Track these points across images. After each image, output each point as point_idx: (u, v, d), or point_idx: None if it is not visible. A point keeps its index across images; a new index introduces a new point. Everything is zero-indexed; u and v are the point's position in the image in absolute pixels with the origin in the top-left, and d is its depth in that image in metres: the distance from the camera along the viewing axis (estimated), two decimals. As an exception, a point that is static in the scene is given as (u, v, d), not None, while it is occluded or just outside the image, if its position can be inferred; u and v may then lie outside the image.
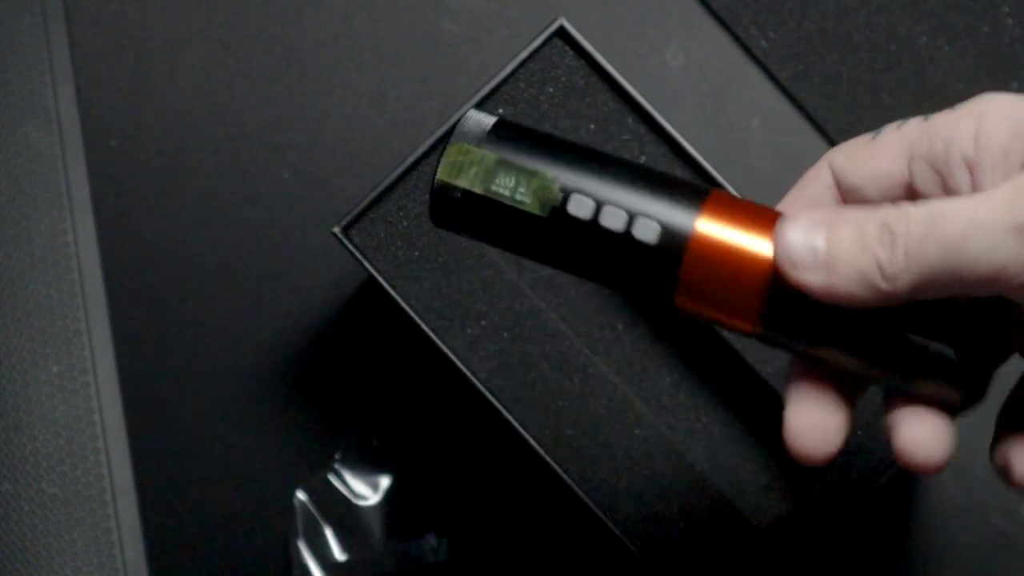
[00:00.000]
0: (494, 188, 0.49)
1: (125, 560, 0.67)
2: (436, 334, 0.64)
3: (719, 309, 0.48)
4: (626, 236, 0.48)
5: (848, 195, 0.51)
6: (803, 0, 0.74)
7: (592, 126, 0.65)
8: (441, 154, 0.49)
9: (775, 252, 0.47)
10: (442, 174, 0.49)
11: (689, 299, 0.48)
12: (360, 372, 0.71)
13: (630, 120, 0.65)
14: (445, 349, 0.64)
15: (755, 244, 0.48)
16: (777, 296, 0.48)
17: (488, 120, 0.50)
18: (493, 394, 0.64)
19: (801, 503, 0.64)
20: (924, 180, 0.49)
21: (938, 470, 0.48)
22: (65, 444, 0.68)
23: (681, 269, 0.48)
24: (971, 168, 0.48)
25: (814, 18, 0.74)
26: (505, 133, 0.49)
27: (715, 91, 0.74)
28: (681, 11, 0.74)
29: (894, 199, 0.50)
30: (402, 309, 0.64)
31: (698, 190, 0.49)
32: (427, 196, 0.52)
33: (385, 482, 0.71)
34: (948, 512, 0.70)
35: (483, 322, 0.64)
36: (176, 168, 0.73)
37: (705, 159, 0.65)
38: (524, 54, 0.65)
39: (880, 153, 0.50)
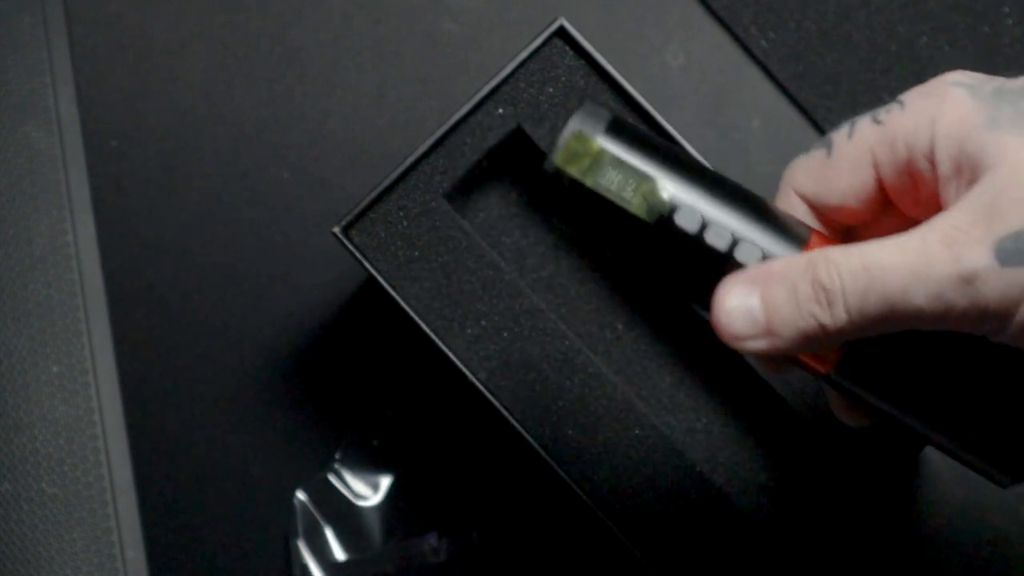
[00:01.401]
0: (604, 183, 0.49)
1: (125, 560, 0.67)
2: (436, 334, 0.64)
3: (798, 359, 0.49)
4: (728, 256, 0.48)
5: (830, 217, 0.51)
6: (803, 0, 0.74)
7: (592, 126, 0.65)
8: (557, 138, 0.49)
9: (715, 323, 0.47)
10: (559, 160, 0.49)
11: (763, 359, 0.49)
12: (360, 372, 0.72)
13: (630, 120, 0.65)
14: (445, 349, 0.64)
15: None
16: (856, 345, 0.48)
17: (605, 114, 0.50)
18: (493, 394, 0.64)
19: (801, 503, 0.64)
20: (897, 185, 0.49)
21: None
22: (65, 444, 0.68)
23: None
24: (934, 170, 0.48)
25: (814, 18, 0.74)
26: (621, 131, 0.49)
27: (715, 91, 0.74)
28: (681, 11, 0.74)
29: (874, 206, 0.50)
30: (402, 309, 0.64)
31: (801, 226, 0.49)
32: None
33: (385, 482, 0.71)
34: (948, 512, 0.70)
35: (483, 322, 0.64)
36: (176, 168, 0.73)
37: (705, 159, 0.65)
38: (524, 54, 0.65)
39: (842, 171, 0.49)
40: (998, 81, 0.48)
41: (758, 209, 0.49)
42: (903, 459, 0.64)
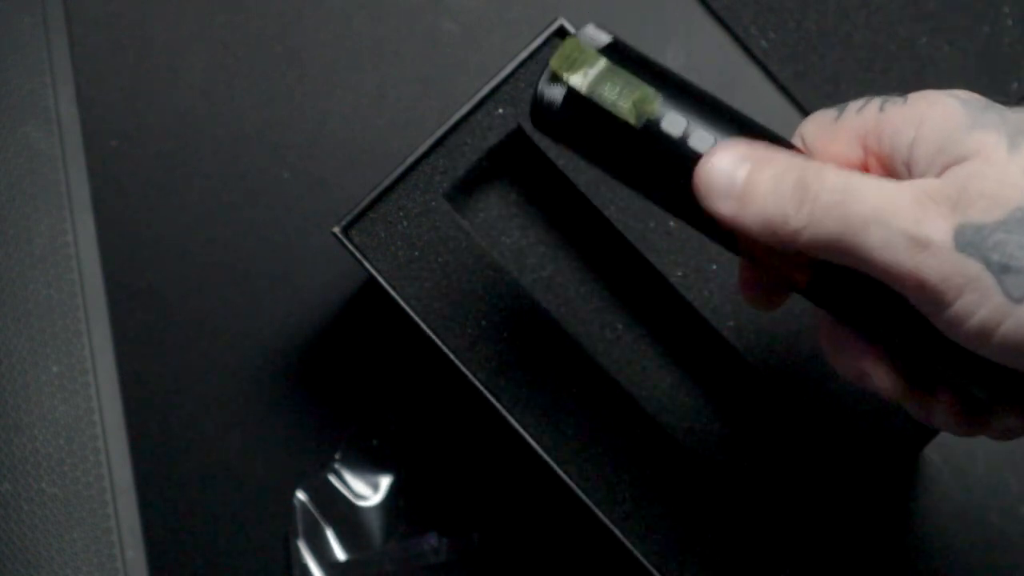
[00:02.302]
0: (599, 91, 0.51)
1: (125, 560, 0.67)
2: (436, 334, 0.64)
3: (774, 264, 0.51)
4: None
5: None
6: (803, 0, 0.74)
7: (592, 126, 0.65)
8: (557, 47, 0.52)
9: (697, 171, 0.50)
10: (555, 63, 0.51)
11: (747, 250, 0.52)
12: (360, 372, 0.71)
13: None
14: (445, 349, 0.64)
15: None
16: (823, 268, 0.50)
17: (604, 36, 0.52)
18: (493, 394, 0.64)
19: (801, 503, 0.64)
20: (879, 173, 0.50)
21: None
22: (65, 444, 0.68)
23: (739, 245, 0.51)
24: (909, 171, 0.49)
25: (814, 18, 0.74)
26: (618, 49, 0.52)
27: (715, 91, 0.74)
28: (681, 11, 0.74)
29: None
30: (402, 309, 0.64)
31: (784, 142, 0.51)
32: (528, 101, 0.55)
33: (385, 482, 0.71)
34: (948, 512, 0.70)
35: (483, 322, 0.64)
36: (176, 168, 0.73)
37: (705, 159, 0.65)
38: (524, 54, 0.65)
39: (839, 138, 0.51)
40: (995, 103, 0.49)
41: (744, 123, 0.51)
42: (903, 459, 0.64)
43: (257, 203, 0.73)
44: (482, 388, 0.64)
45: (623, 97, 0.51)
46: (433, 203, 0.65)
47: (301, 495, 0.70)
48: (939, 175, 0.47)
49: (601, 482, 0.64)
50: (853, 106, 0.51)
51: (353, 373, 0.71)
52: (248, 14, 0.75)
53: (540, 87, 0.52)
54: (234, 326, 0.72)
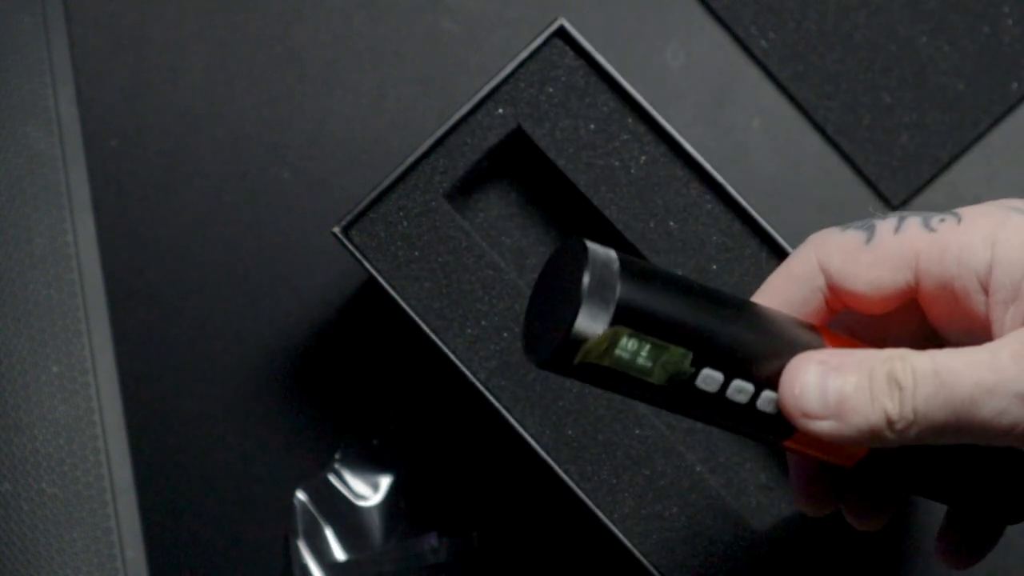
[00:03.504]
0: (621, 356, 0.45)
1: (125, 560, 0.67)
2: (436, 334, 0.64)
3: (824, 455, 0.49)
4: (749, 407, 0.47)
5: (844, 298, 0.50)
6: (803, 0, 0.74)
7: (592, 126, 0.65)
8: (575, 310, 0.44)
9: (783, 397, 0.46)
10: (581, 357, 0.44)
11: (797, 446, 0.48)
12: (360, 372, 0.71)
13: (630, 120, 0.65)
14: (445, 349, 0.64)
15: None
16: (877, 451, 0.48)
17: (612, 264, 0.45)
18: (493, 394, 0.64)
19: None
20: (933, 295, 0.48)
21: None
22: (65, 444, 0.68)
23: (795, 432, 0.47)
24: (986, 293, 0.47)
25: (814, 18, 0.74)
26: (634, 289, 0.45)
27: (715, 91, 0.74)
28: (681, 11, 0.74)
29: (893, 304, 0.49)
30: (402, 309, 0.64)
31: (814, 343, 0.48)
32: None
33: (385, 482, 0.71)
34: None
35: (483, 322, 0.64)
36: (176, 168, 0.73)
37: (705, 159, 0.65)
38: (524, 54, 0.65)
39: (882, 263, 0.48)
40: None
41: (778, 347, 0.47)
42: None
43: (257, 203, 0.73)
44: (482, 388, 0.64)
45: (653, 363, 0.45)
46: (433, 203, 0.65)
47: (301, 495, 0.70)
48: (1019, 299, 0.45)
49: (601, 482, 0.64)
50: (885, 227, 0.48)
51: (353, 373, 0.71)
52: (248, 14, 0.75)
53: (565, 358, 0.44)
54: (234, 326, 0.72)
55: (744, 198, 0.65)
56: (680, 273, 0.50)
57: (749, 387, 0.46)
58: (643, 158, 0.65)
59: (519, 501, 0.70)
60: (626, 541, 0.63)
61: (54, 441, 0.68)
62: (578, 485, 0.63)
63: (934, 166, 0.72)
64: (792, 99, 0.73)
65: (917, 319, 0.50)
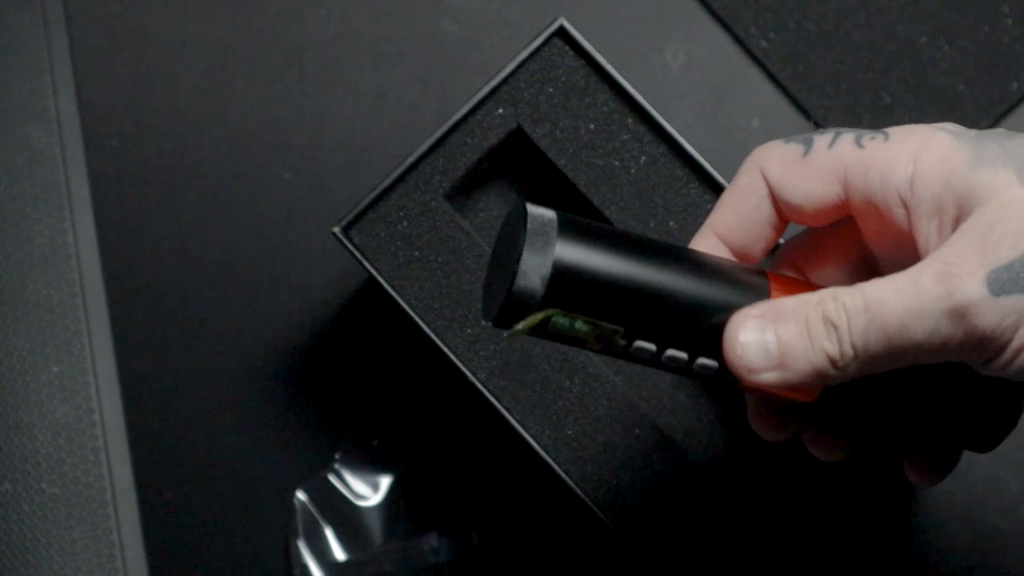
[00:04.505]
0: (554, 327, 0.48)
1: (125, 560, 0.68)
2: (436, 334, 0.64)
3: (778, 393, 0.51)
4: (687, 368, 0.49)
5: (783, 209, 0.52)
6: (803, 0, 0.74)
7: (592, 126, 0.65)
8: (509, 282, 0.47)
9: (727, 356, 0.48)
10: (521, 330, 0.48)
11: (750, 391, 0.51)
12: (360, 372, 0.72)
13: (630, 120, 0.65)
14: (445, 349, 0.64)
15: None
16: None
17: (547, 262, 0.47)
18: (493, 394, 0.64)
19: (801, 503, 0.64)
20: (862, 209, 0.50)
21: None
22: (65, 444, 0.68)
23: (742, 386, 0.50)
24: (906, 208, 0.49)
25: (814, 18, 0.74)
26: (569, 243, 0.48)
27: (715, 91, 0.74)
28: (681, 11, 0.74)
29: (829, 217, 0.51)
30: (402, 309, 0.64)
31: (758, 285, 0.50)
32: (493, 294, 0.50)
33: (385, 482, 0.71)
34: (948, 512, 0.70)
35: (483, 322, 0.64)
36: (176, 168, 0.73)
37: (705, 159, 0.65)
38: (524, 54, 0.65)
39: (814, 175, 0.50)
40: (986, 132, 0.49)
41: (714, 311, 0.49)
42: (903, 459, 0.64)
43: (257, 203, 0.73)
44: (482, 388, 0.64)
45: (589, 333, 0.48)
46: (433, 203, 0.65)
47: (301, 495, 0.70)
48: (941, 213, 0.47)
49: (601, 482, 0.64)
50: (821, 141, 0.50)
51: (353, 373, 0.71)
52: (248, 14, 0.75)
53: (506, 324, 0.48)
54: (234, 326, 0.72)
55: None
56: (625, 231, 0.51)
57: (683, 355, 0.49)
58: (643, 158, 0.65)
59: (519, 501, 0.70)
60: (626, 541, 0.63)
61: (54, 441, 0.68)
62: (578, 485, 0.63)
63: (934, 166, 0.73)
64: (792, 99, 0.73)
65: (857, 242, 0.52)
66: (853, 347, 0.47)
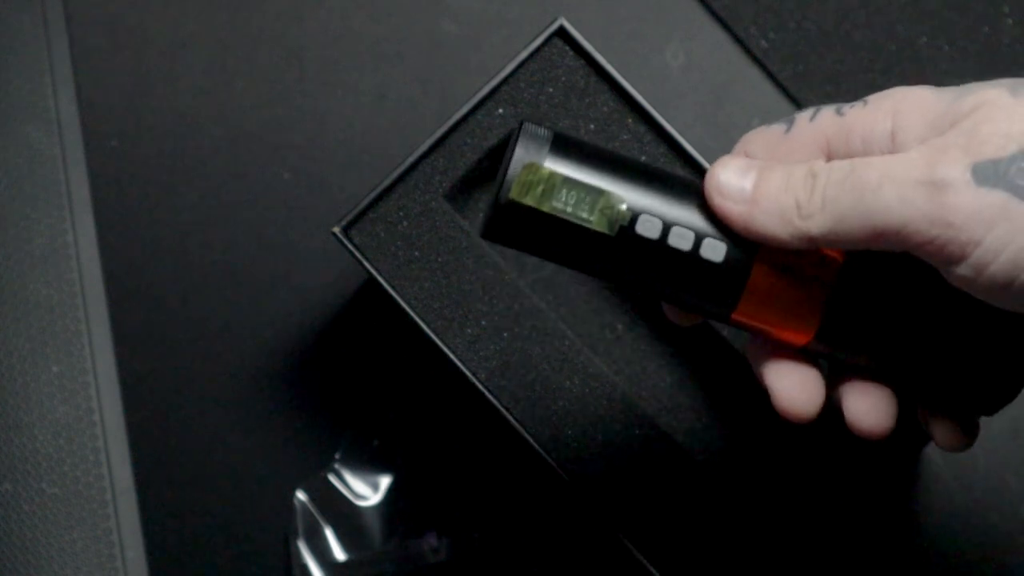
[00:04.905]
0: (559, 206, 0.49)
1: (125, 560, 0.68)
2: (436, 334, 0.64)
3: (776, 323, 0.50)
4: (692, 255, 0.49)
5: None
6: (803, 0, 0.74)
7: (592, 126, 0.65)
8: (505, 171, 0.49)
9: (707, 177, 0.49)
10: (513, 193, 0.49)
11: (748, 314, 0.50)
12: (360, 372, 0.72)
13: (630, 120, 0.65)
14: (445, 349, 0.64)
15: (819, 263, 0.49)
16: (834, 311, 0.49)
17: (546, 135, 0.50)
18: (493, 394, 0.64)
19: (801, 502, 0.64)
20: None
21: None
22: (65, 444, 0.68)
23: (746, 287, 0.49)
24: None
25: (814, 18, 0.74)
26: (565, 148, 0.49)
27: (715, 91, 0.74)
28: (681, 11, 0.74)
29: None
30: (402, 309, 0.64)
31: None
32: (484, 211, 0.52)
33: (385, 482, 0.71)
34: (948, 512, 0.70)
35: (483, 322, 0.64)
36: (176, 168, 0.73)
37: (705, 159, 0.65)
38: (524, 54, 0.65)
39: (797, 149, 0.50)
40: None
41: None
42: (903, 459, 0.64)
43: (257, 203, 0.73)
44: (482, 388, 0.64)
45: (586, 207, 0.49)
46: (433, 203, 0.65)
47: (301, 495, 0.70)
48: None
49: (601, 482, 0.64)
50: (803, 117, 0.51)
51: (353, 372, 0.71)
52: (248, 14, 0.75)
53: (499, 204, 0.49)
54: (234, 326, 0.72)
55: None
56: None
57: (689, 233, 0.49)
58: (643, 158, 0.65)
59: (519, 501, 0.70)
60: (626, 541, 0.63)
61: (54, 441, 0.68)
62: (578, 485, 0.63)
63: (934, 166, 0.73)
64: (792, 99, 0.73)
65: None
66: (823, 199, 0.47)
